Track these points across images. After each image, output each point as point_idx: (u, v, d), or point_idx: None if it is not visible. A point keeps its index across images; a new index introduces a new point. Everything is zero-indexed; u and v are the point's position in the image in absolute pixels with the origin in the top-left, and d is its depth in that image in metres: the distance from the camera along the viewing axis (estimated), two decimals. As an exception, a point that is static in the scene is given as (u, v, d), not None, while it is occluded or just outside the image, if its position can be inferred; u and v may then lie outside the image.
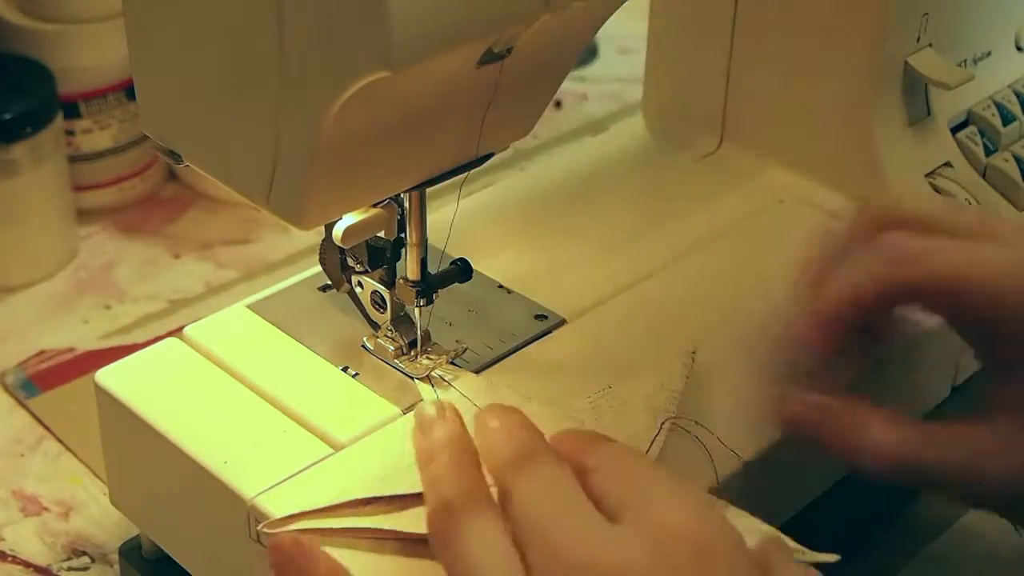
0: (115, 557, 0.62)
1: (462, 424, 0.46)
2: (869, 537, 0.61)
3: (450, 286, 0.58)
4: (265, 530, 0.48)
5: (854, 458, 0.50)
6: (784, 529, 0.58)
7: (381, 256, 0.57)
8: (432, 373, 0.57)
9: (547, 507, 0.43)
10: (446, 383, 0.56)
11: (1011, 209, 0.69)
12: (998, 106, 0.72)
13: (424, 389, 0.56)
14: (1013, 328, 0.50)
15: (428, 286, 0.56)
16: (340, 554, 0.47)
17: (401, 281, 0.56)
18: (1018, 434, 0.49)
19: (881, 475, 0.50)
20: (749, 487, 0.54)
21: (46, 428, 0.71)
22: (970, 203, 0.67)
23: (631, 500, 0.43)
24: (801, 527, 0.59)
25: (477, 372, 0.57)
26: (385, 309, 0.58)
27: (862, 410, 0.51)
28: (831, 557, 0.47)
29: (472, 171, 0.55)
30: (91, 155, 0.84)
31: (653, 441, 0.52)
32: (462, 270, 0.58)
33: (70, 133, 0.83)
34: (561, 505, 0.43)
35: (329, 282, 0.60)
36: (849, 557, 0.61)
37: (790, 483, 0.58)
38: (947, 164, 0.69)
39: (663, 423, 0.53)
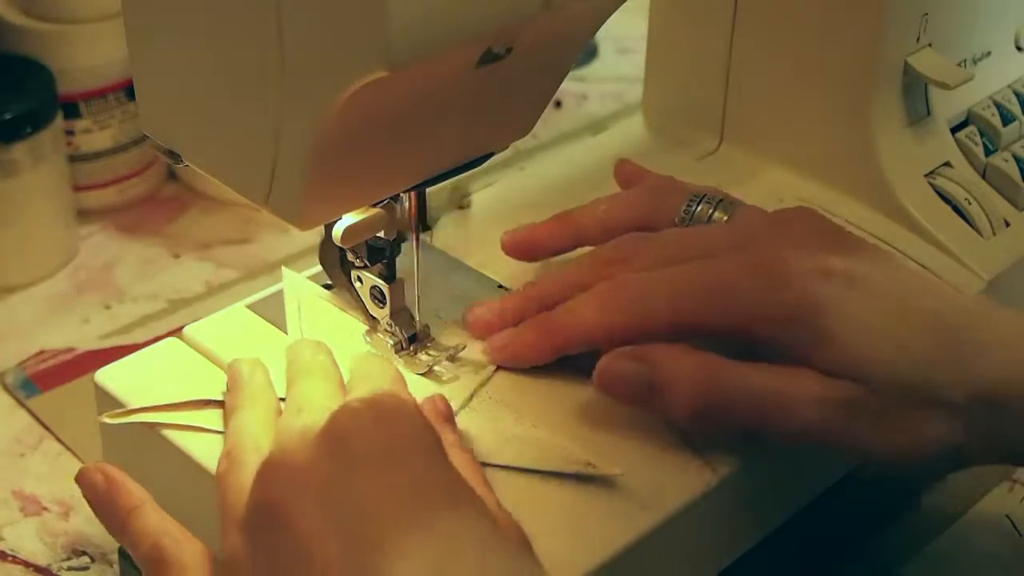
0: (115, 557, 0.62)
1: (268, 382, 0.54)
2: (869, 537, 0.61)
3: (450, 286, 0.58)
4: (106, 419, 0.53)
5: (664, 403, 0.52)
6: (784, 528, 0.58)
7: (380, 254, 0.57)
8: (433, 368, 0.57)
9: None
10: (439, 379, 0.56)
11: (1011, 209, 0.69)
12: (998, 106, 0.72)
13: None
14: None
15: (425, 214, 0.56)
16: (180, 436, 0.53)
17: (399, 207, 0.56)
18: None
19: (694, 414, 0.51)
20: (747, 488, 0.54)
21: (46, 428, 0.71)
22: (970, 203, 0.67)
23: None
24: (801, 527, 0.59)
25: (476, 373, 0.57)
26: (384, 304, 0.58)
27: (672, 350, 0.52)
28: (616, 471, 0.51)
29: (472, 171, 0.55)
30: (91, 155, 0.84)
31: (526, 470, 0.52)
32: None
33: (70, 133, 0.83)
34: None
35: (329, 282, 0.60)
36: (849, 557, 0.61)
37: (789, 483, 0.58)
38: (947, 164, 0.69)
39: (560, 470, 0.52)
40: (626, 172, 0.65)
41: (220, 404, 0.54)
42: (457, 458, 0.49)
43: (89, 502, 0.51)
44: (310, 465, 0.45)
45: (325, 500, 0.44)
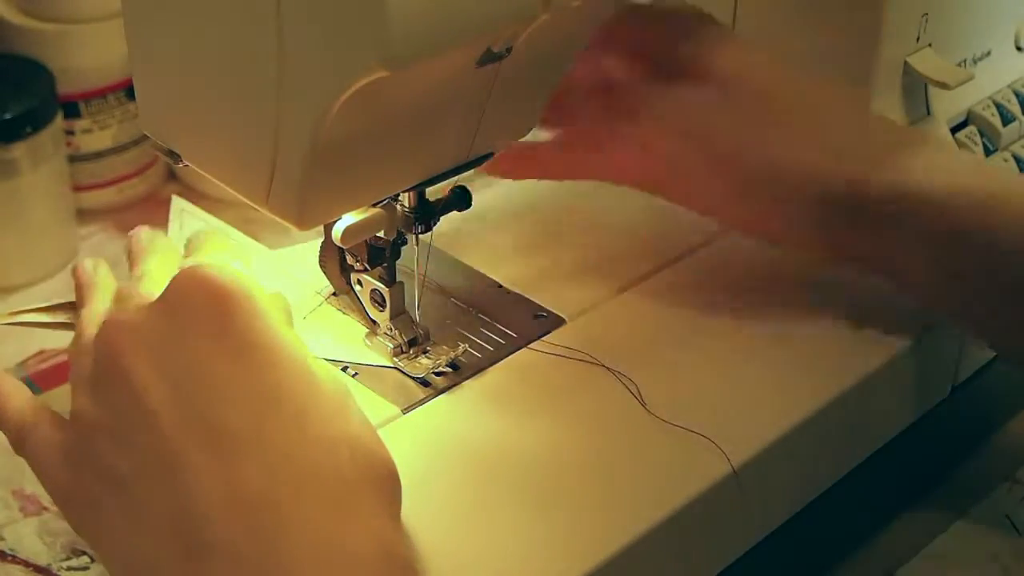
0: (115, 557, 0.62)
1: (110, 274, 0.57)
2: (869, 536, 0.61)
3: (451, 290, 0.58)
4: None
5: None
6: (785, 527, 0.58)
7: (381, 255, 0.57)
8: (431, 372, 0.57)
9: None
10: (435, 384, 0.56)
11: (1011, 209, 0.69)
12: (998, 106, 0.72)
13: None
14: None
15: (426, 212, 0.56)
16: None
17: (400, 207, 0.56)
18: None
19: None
20: (747, 486, 0.54)
21: (46, 428, 0.70)
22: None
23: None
24: (802, 526, 0.59)
25: (476, 373, 0.57)
26: (385, 307, 0.58)
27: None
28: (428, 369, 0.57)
29: (472, 171, 0.55)
30: (91, 155, 0.84)
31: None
32: (461, 197, 0.57)
33: (70, 133, 0.83)
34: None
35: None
36: (849, 556, 0.61)
37: (789, 483, 0.58)
38: (947, 164, 0.69)
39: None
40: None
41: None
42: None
43: None
44: (146, 324, 0.48)
45: (159, 355, 0.47)
